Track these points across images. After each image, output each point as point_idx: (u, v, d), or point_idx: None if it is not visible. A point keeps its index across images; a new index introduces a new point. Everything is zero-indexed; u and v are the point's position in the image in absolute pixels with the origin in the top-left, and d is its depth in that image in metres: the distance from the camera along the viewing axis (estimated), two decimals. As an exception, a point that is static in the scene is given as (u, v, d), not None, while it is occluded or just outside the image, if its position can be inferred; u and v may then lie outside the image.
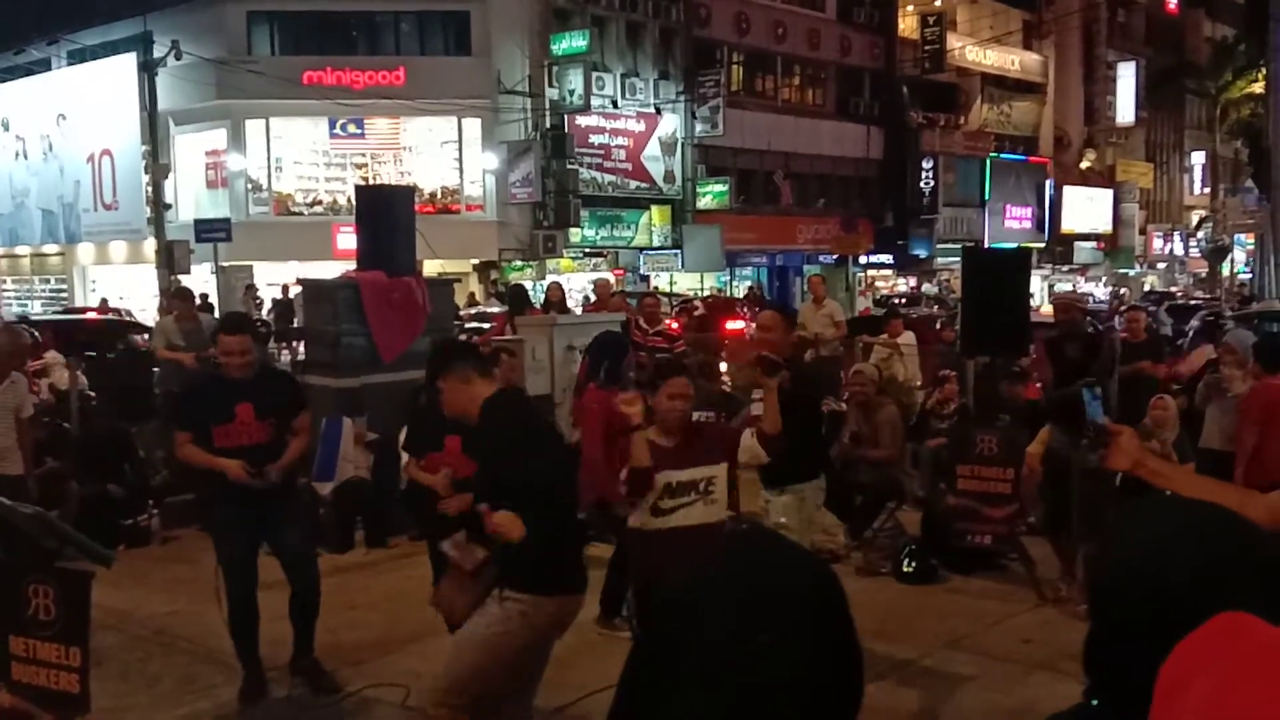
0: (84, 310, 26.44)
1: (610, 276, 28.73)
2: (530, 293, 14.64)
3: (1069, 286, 46.78)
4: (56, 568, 4.72)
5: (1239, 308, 20.76)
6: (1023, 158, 48.94)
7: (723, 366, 13.09)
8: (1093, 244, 51.68)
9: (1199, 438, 8.32)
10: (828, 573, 1.34)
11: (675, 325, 15.35)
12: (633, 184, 34.76)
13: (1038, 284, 41.99)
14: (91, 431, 9.95)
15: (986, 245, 39.58)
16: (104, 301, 28.37)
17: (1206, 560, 1.37)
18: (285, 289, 25.80)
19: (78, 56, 33.53)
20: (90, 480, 9.11)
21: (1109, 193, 52.44)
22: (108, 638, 5.98)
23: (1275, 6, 25.91)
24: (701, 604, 1.25)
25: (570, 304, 16.59)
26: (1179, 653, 1.09)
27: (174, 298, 12.32)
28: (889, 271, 44.26)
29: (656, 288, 28.74)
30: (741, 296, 31.37)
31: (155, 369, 11.30)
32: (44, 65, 35.29)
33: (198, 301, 12.96)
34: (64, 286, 35.59)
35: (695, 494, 4.65)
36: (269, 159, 30.92)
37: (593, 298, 17.44)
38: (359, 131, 31.23)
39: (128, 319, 23.84)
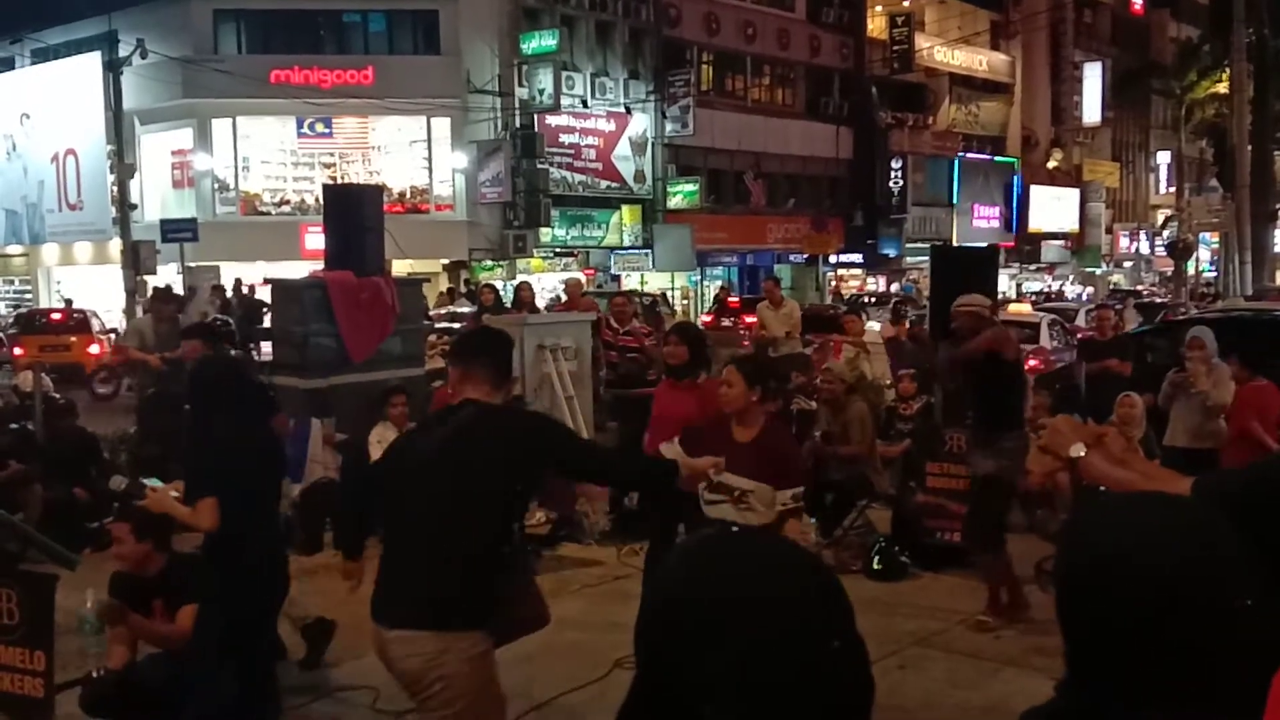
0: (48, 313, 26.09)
1: (582, 276, 28.64)
2: (500, 292, 14.57)
3: (1038, 285, 47.17)
4: (20, 570, 4.67)
5: (1203, 306, 20.94)
6: (991, 157, 49.29)
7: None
8: (1060, 243, 52.11)
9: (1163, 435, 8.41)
10: (825, 567, 1.35)
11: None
12: (603, 184, 34.73)
13: (1005, 283, 42.27)
14: (57, 435, 9.85)
15: (955, 244, 39.87)
16: (69, 303, 28.07)
17: (1188, 556, 1.34)
18: (252, 289, 25.52)
19: (42, 55, 33.19)
20: (55, 484, 9.01)
21: (1076, 192, 52.88)
22: (73, 641, 5.91)
23: (1239, 8, 26.15)
24: (715, 612, 1.23)
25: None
26: None
27: (155, 299, 12.19)
28: (859, 270, 44.45)
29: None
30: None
31: None
32: (7, 64, 34.94)
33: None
34: (28, 288, 35.25)
35: (728, 497, 5.07)
36: (236, 158, 30.71)
37: (563, 298, 17.39)
38: (327, 131, 31.06)
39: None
